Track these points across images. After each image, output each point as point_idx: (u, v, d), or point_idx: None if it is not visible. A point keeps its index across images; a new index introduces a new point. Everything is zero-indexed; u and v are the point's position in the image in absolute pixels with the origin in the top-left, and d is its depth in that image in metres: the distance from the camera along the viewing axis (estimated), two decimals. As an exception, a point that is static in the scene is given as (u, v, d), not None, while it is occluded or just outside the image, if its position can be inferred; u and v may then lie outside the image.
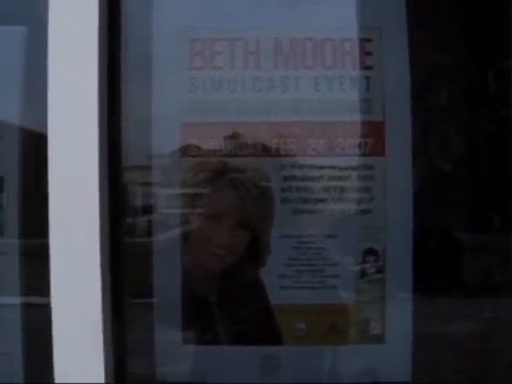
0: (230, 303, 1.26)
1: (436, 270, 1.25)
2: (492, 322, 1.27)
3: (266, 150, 1.23)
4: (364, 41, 1.23)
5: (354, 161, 1.23)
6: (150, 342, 1.22)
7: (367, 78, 1.23)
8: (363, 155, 1.23)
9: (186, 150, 1.23)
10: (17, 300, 1.25)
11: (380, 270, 1.23)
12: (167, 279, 1.22)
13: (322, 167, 1.23)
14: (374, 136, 1.23)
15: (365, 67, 1.23)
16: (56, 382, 1.05)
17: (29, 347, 1.25)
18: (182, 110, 1.22)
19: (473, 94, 1.32)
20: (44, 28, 1.07)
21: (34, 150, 1.25)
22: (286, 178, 1.23)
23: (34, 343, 1.23)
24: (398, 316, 1.23)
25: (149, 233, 1.25)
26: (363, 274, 1.23)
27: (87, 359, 1.05)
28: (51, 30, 1.07)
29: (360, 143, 1.23)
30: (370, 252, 1.23)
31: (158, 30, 1.23)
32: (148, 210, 1.27)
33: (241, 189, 1.22)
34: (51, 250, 1.05)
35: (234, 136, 1.23)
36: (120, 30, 1.17)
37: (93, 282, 1.05)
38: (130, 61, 1.19)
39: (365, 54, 1.23)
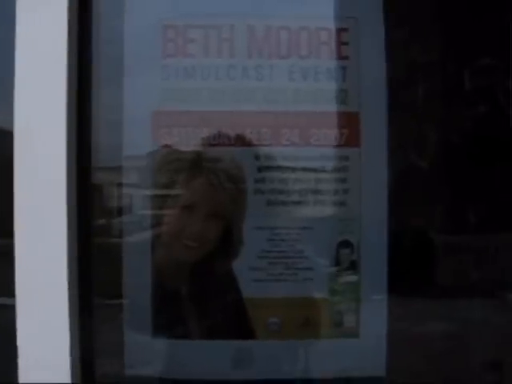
0: (202, 296, 1.23)
1: (411, 262, 1.24)
2: (467, 316, 1.27)
3: (239, 140, 1.21)
4: (340, 30, 1.22)
5: (329, 152, 1.22)
6: (119, 339, 1.20)
7: (343, 68, 1.22)
8: (338, 146, 1.22)
9: (157, 139, 1.21)
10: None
11: (355, 263, 1.22)
12: (137, 273, 1.20)
13: (296, 158, 1.21)
14: (349, 127, 1.22)
15: (341, 57, 1.22)
16: (20, 381, 1.03)
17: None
18: (153, 99, 1.20)
19: (450, 87, 1.32)
20: (11, 21, 1.06)
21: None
22: (259, 169, 1.21)
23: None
24: (373, 310, 1.23)
25: (118, 225, 1.23)
26: (338, 267, 1.22)
27: (52, 359, 1.04)
28: (19, 23, 1.05)
29: (335, 134, 1.22)
30: (345, 244, 1.22)
31: (130, 16, 1.20)
32: (118, 204, 1.25)
33: (213, 179, 1.20)
34: (16, 249, 1.04)
35: (206, 125, 1.21)
36: (91, 17, 1.15)
37: (59, 282, 1.04)
38: (101, 48, 1.17)
39: (341, 43, 1.22)
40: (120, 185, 1.23)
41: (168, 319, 1.22)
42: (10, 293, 1.04)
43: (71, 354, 1.04)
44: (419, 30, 1.29)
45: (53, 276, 1.04)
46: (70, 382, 1.04)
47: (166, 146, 1.21)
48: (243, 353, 1.21)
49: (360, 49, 1.22)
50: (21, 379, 1.03)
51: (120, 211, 1.24)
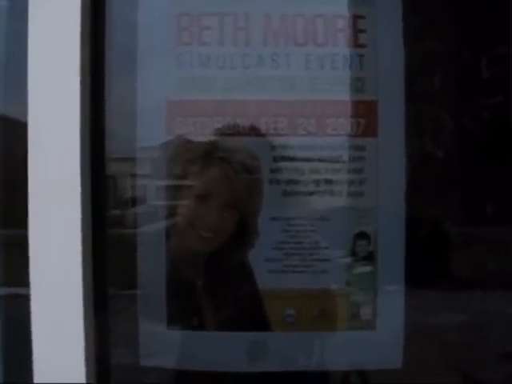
0: (217, 288, 1.23)
1: (429, 254, 1.23)
2: (485, 308, 1.25)
3: (254, 129, 1.20)
4: (357, 18, 1.20)
5: (346, 141, 1.20)
6: (133, 329, 1.19)
7: (360, 56, 1.20)
8: (355, 135, 1.20)
9: (171, 129, 1.20)
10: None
11: (371, 255, 1.20)
12: (152, 266, 1.20)
13: (312, 147, 1.20)
14: (366, 116, 1.20)
15: (358, 45, 1.20)
16: (35, 381, 1.03)
17: (6, 345, 1.22)
18: (168, 88, 1.19)
19: (470, 75, 1.30)
20: (24, 12, 1.05)
21: (13, 138, 1.21)
22: (275, 159, 1.20)
23: (12, 340, 1.21)
24: (390, 302, 1.21)
25: (133, 215, 1.22)
26: (354, 258, 1.21)
27: (67, 358, 1.03)
28: (31, 14, 1.04)
29: (352, 123, 1.20)
30: (362, 235, 1.20)
31: (143, 4, 1.19)
32: (132, 193, 1.24)
33: (228, 169, 1.19)
34: (31, 241, 1.04)
35: (221, 114, 1.19)
36: (104, 6, 1.14)
37: (74, 273, 1.04)
38: (115, 37, 1.16)
39: (358, 31, 1.20)
40: (134, 175, 1.23)
41: (183, 310, 1.22)
42: (25, 283, 1.04)
43: (86, 352, 1.03)
44: (437, 17, 1.28)
45: (67, 267, 1.03)
46: (84, 382, 1.04)
47: (181, 135, 1.20)
48: (258, 344, 1.20)
49: (377, 36, 1.20)
50: (36, 379, 1.03)
51: (134, 202, 1.23)
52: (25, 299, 1.04)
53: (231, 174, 1.19)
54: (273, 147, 1.20)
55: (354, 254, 1.21)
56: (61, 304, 1.03)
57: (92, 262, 1.07)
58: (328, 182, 1.20)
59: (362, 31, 1.20)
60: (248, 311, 1.23)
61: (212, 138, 1.20)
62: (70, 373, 1.03)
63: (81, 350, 1.03)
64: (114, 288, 1.16)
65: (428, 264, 1.22)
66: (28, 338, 1.03)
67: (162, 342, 1.21)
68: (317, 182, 1.20)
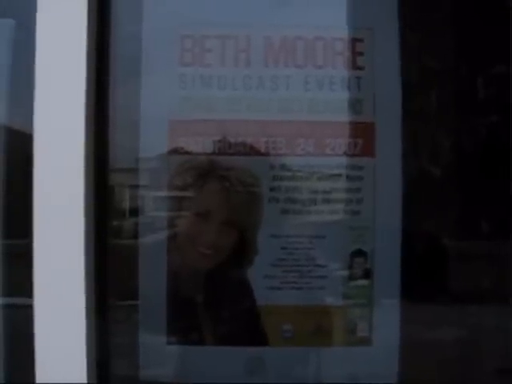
0: (216, 303, 1.24)
1: (424, 272, 1.24)
2: (478, 325, 1.26)
3: (254, 149, 1.22)
4: (356, 41, 1.23)
5: (344, 161, 1.22)
6: (134, 343, 1.21)
7: (358, 78, 1.23)
8: (353, 156, 1.22)
9: (173, 148, 1.22)
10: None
11: (368, 272, 1.22)
12: (152, 280, 1.21)
13: (311, 167, 1.22)
14: (364, 136, 1.22)
15: (356, 67, 1.23)
16: (37, 381, 1.04)
17: (10, 347, 1.23)
18: (170, 107, 1.21)
19: (464, 96, 1.31)
20: (32, 23, 1.06)
21: (19, 148, 1.23)
22: (274, 178, 1.21)
23: (16, 343, 1.22)
24: (386, 318, 1.23)
25: (135, 232, 1.23)
26: (351, 275, 1.22)
27: (69, 359, 1.04)
28: (39, 26, 1.06)
29: (350, 144, 1.22)
30: (359, 253, 1.22)
31: (148, 26, 1.22)
32: (134, 209, 1.25)
33: (229, 187, 1.21)
34: (35, 250, 1.05)
35: (222, 134, 1.21)
36: (110, 26, 1.16)
37: (76, 283, 1.05)
38: (119, 56, 1.18)
39: (356, 54, 1.23)
40: (136, 189, 1.25)
41: (182, 324, 1.23)
42: (28, 293, 1.05)
43: (87, 355, 1.04)
44: (434, 39, 1.29)
45: (70, 277, 1.04)
46: (86, 382, 1.05)
47: (182, 153, 1.22)
48: (256, 359, 1.22)
49: (375, 59, 1.23)
50: (38, 379, 1.04)
51: (136, 215, 1.25)
52: (29, 308, 1.05)
53: (231, 192, 1.21)
54: (272, 166, 1.22)
55: (351, 271, 1.22)
56: (64, 307, 1.04)
57: (94, 272, 1.08)
58: (326, 200, 1.22)
59: (361, 54, 1.22)
60: (246, 327, 1.24)
61: (213, 156, 1.22)
62: (71, 373, 1.04)
63: (82, 357, 1.04)
64: (116, 298, 1.18)
65: (424, 281, 1.23)
66: (31, 345, 1.05)
67: (161, 353, 1.22)
68: (315, 201, 1.22)
